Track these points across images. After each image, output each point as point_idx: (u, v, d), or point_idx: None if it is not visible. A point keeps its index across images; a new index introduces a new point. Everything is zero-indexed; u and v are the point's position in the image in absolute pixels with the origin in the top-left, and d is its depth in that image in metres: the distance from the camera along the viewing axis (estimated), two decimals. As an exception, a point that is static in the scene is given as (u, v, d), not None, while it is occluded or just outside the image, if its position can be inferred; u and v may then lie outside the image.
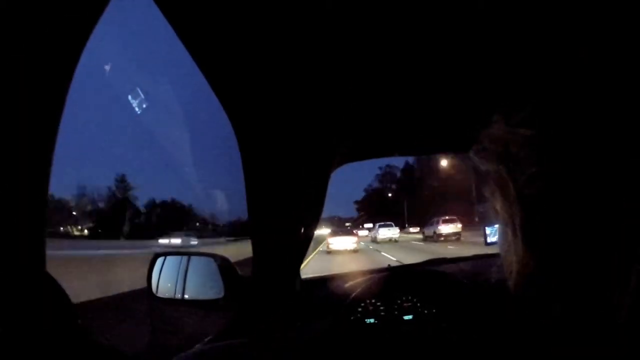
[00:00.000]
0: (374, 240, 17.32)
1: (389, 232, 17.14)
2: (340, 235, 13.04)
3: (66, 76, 0.40)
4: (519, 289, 0.36)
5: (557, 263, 0.33)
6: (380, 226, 17.77)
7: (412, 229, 23.57)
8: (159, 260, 1.02)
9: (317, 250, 12.78)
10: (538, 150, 0.33)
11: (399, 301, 0.99)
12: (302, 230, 0.97)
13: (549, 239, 0.33)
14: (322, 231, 16.90)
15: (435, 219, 15.50)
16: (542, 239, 0.33)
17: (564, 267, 0.32)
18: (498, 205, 0.37)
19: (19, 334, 0.34)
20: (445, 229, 14.43)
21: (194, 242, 22.03)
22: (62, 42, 0.39)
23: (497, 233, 0.40)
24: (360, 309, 0.97)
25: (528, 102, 0.35)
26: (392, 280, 1.05)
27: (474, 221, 15.45)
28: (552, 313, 0.33)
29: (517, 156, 0.34)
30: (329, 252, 11.83)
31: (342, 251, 11.77)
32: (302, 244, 1.01)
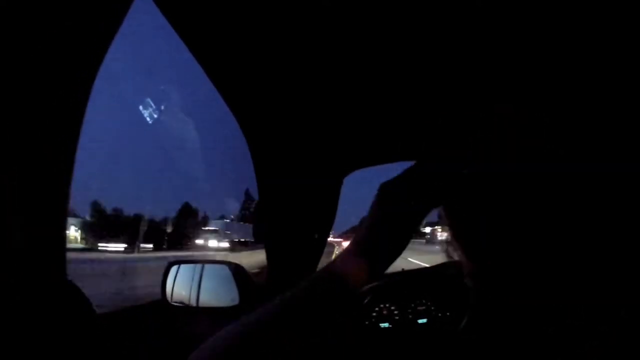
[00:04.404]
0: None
1: None
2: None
3: (88, 82, 0.40)
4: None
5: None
6: None
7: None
8: (173, 269, 1.03)
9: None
10: None
11: (413, 305, 0.98)
12: (315, 237, 0.97)
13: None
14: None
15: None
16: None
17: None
18: None
19: (40, 340, 0.35)
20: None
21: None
22: (85, 50, 0.40)
23: None
24: (374, 314, 0.97)
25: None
26: (406, 284, 1.04)
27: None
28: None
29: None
30: None
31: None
32: (315, 250, 1.01)
